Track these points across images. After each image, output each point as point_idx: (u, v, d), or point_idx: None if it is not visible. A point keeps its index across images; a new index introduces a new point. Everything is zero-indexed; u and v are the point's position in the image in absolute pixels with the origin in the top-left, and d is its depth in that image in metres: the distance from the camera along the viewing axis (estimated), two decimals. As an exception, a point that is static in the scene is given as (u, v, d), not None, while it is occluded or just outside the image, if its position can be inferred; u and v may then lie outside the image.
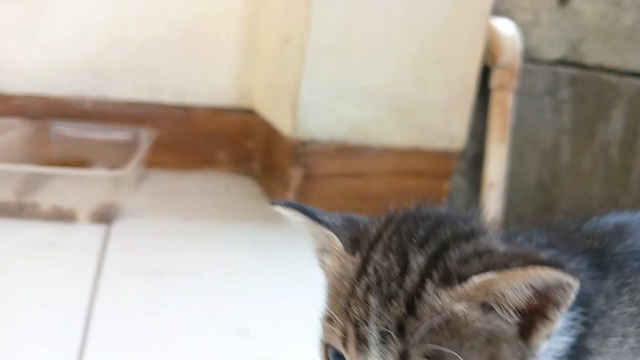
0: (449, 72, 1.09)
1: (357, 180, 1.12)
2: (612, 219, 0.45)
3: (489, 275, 0.30)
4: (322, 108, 1.04)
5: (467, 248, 0.33)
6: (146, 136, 1.21)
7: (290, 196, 1.11)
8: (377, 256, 0.33)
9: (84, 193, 1.00)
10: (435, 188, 1.17)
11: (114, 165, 1.24)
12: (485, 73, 1.14)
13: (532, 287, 0.30)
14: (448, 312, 0.30)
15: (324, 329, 0.34)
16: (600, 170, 1.39)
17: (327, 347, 0.34)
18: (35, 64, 1.19)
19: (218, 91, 1.30)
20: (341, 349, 0.32)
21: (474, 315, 0.31)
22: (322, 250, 0.39)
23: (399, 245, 0.33)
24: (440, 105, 1.11)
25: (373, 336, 0.30)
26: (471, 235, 0.34)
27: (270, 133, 1.24)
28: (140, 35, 1.21)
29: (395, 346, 0.30)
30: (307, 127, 1.05)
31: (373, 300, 0.31)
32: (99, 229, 0.95)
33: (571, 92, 1.31)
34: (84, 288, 0.76)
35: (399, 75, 1.06)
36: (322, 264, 0.39)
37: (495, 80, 1.13)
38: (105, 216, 0.97)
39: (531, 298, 0.30)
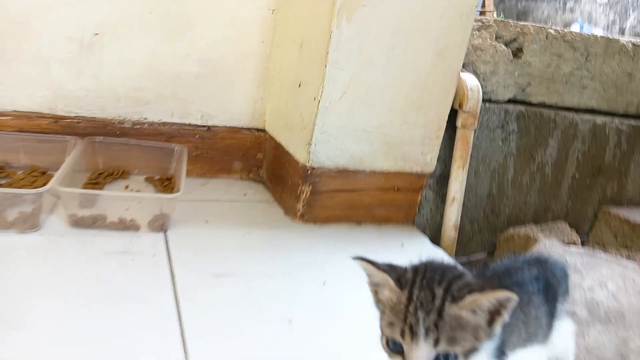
0: (427, 115, 1.40)
1: (352, 194, 1.43)
2: (502, 264, 0.80)
3: (475, 296, 0.60)
4: (329, 144, 1.34)
5: (460, 283, 0.63)
6: (178, 149, 1.47)
7: (300, 207, 1.41)
8: (416, 290, 0.61)
9: (143, 206, 1.26)
10: (410, 199, 1.50)
11: (150, 172, 1.50)
12: (453, 114, 1.46)
13: (496, 300, 0.61)
14: (457, 316, 0.60)
15: (387, 329, 0.62)
16: (537, 184, 1.75)
17: (387, 339, 0.62)
18: (85, 92, 1.42)
19: (235, 114, 1.57)
20: (400, 340, 0.61)
21: (468, 316, 0.60)
22: (377, 284, 0.65)
23: (427, 284, 0.62)
24: (418, 141, 1.42)
25: (422, 331, 0.59)
26: (461, 276, 0.65)
27: (279, 150, 1.52)
28: (175, 70, 1.46)
29: (433, 335, 0.59)
30: (317, 158, 1.34)
31: (420, 314, 0.60)
32: (158, 237, 1.22)
33: (518, 125, 1.65)
34: (167, 288, 1.03)
35: (389, 118, 1.37)
36: (375, 293, 0.67)
37: (460, 121, 1.45)
38: (161, 225, 1.24)
39: (494, 305, 0.61)
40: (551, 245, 1.47)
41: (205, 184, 1.56)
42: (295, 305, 1.05)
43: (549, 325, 0.83)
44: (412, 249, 1.37)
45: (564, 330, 0.91)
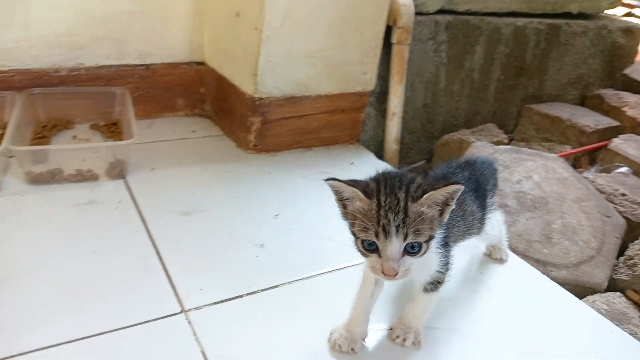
0: (364, 35, 1.45)
1: (300, 120, 1.49)
2: (439, 171, 0.93)
3: (430, 193, 0.71)
4: (275, 73, 1.37)
5: (415, 185, 0.74)
6: (120, 92, 1.46)
7: (251, 138, 1.46)
8: (383, 197, 0.71)
9: (99, 155, 1.27)
10: (354, 119, 1.58)
11: (95, 119, 1.49)
12: (388, 31, 1.52)
13: (447, 192, 0.72)
14: (418, 212, 0.71)
15: (361, 233, 0.71)
16: (466, 90, 1.87)
17: (362, 241, 0.72)
18: (15, 44, 1.35)
19: (173, 49, 1.55)
20: (375, 240, 0.71)
21: (427, 210, 0.72)
22: (347, 199, 0.74)
23: (391, 190, 0.72)
24: (357, 60, 1.48)
25: (392, 229, 0.70)
26: (413, 179, 0.75)
27: (222, 82, 1.54)
28: (107, 10, 1.41)
29: (402, 231, 0.70)
30: (264, 88, 1.38)
31: (391, 216, 0.70)
32: (119, 184, 1.24)
33: (447, 35, 1.73)
34: (140, 231, 1.09)
35: (329, 41, 1.40)
36: (344, 207, 0.75)
37: (395, 37, 1.52)
38: (120, 172, 1.26)
39: (445, 197, 0.73)
40: (482, 146, 1.62)
41: (151, 125, 1.56)
42: (264, 229, 1.14)
43: (483, 219, 0.97)
44: (361, 166, 1.47)
45: (495, 221, 1.07)
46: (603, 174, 1.70)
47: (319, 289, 0.99)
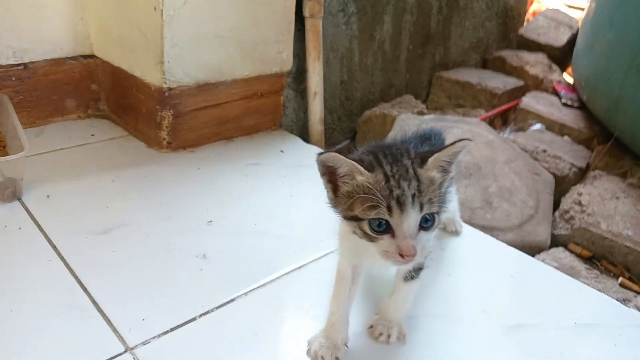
0: (274, 10, 1.33)
1: (217, 109, 1.35)
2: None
3: (437, 154, 0.63)
4: (183, 58, 1.21)
5: (413, 152, 0.65)
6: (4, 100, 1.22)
7: (164, 135, 1.29)
8: (388, 167, 0.62)
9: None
10: (274, 103, 1.47)
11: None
12: (299, 5, 1.41)
13: (454, 152, 0.63)
14: (429, 177, 0.62)
15: (368, 212, 0.60)
16: (379, 62, 1.82)
17: (369, 223, 0.61)
18: None
19: (55, 43, 1.32)
20: (386, 216, 0.60)
21: (436, 174, 0.63)
22: (344, 177, 0.63)
23: (393, 159, 0.63)
24: (272, 39, 1.36)
25: (408, 199, 0.60)
26: (408, 148, 0.66)
27: (119, 75, 1.34)
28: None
29: (418, 200, 0.60)
30: (173, 77, 1.21)
31: (404, 184, 0.60)
32: (14, 206, 1.03)
33: (356, 6, 1.65)
34: (54, 259, 0.89)
35: (239, 19, 1.27)
36: (335, 188, 0.64)
37: (307, 10, 1.41)
38: (13, 193, 1.05)
39: (450, 161, 0.64)
40: (408, 118, 1.58)
41: (40, 133, 1.33)
42: (201, 237, 1.00)
43: (445, 192, 0.91)
44: (291, 153, 1.36)
45: (452, 194, 1.01)
46: (519, 133, 1.74)
47: (281, 295, 0.88)
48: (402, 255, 0.61)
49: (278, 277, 0.91)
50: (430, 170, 0.63)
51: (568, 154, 1.58)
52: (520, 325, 0.86)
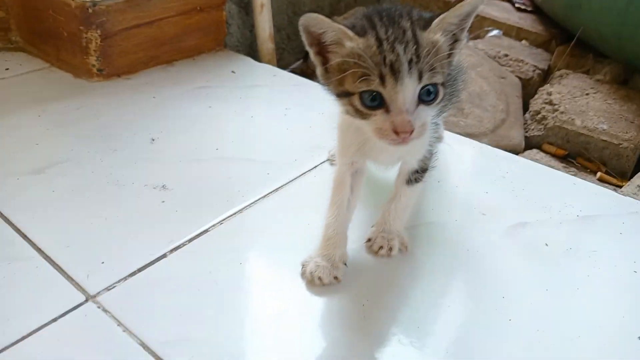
0: None
1: (152, 27, 1.17)
2: None
3: (443, 15, 0.52)
4: (107, -36, 1.02)
5: (415, 14, 0.55)
6: None
7: (93, 61, 1.11)
8: (382, 30, 0.51)
9: None
10: (216, 19, 1.30)
11: None
12: None
13: (463, 14, 0.53)
14: (432, 40, 0.52)
15: (359, 85, 0.51)
16: (326, -27, 1.64)
17: (360, 97, 0.51)
18: None
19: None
20: (379, 88, 0.51)
21: (441, 39, 0.53)
22: (332, 46, 0.53)
23: (390, 21, 0.52)
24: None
25: (404, 65, 0.50)
26: (411, 10, 0.56)
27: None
28: None
29: (416, 67, 0.50)
30: (97, -12, 1.03)
31: (399, 47, 0.50)
32: None
33: None
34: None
35: None
36: (324, 60, 0.54)
37: None
38: None
39: (459, 24, 0.54)
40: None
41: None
42: (157, 167, 0.86)
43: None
44: (243, 73, 1.21)
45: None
46: (477, 40, 1.66)
47: (260, 221, 0.77)
48: (397, 133, 0.51)
49: (254, 202, 0.80)
50: (434, 33, 0.52)
51: (529, 57, 1.52)
52: (521, 224, 0.79)
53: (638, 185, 1.02)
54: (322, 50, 0.54)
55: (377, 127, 0.53)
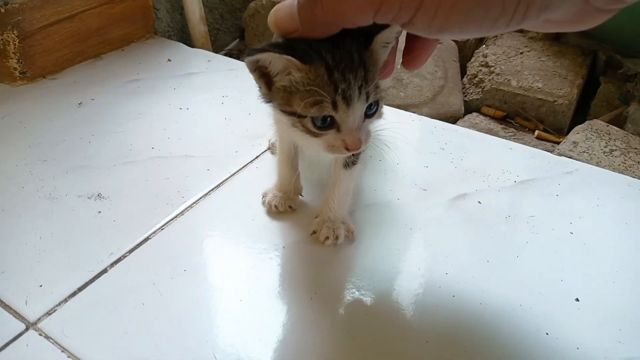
0: None
1: (73, 21, 1.11)
2: None
3: (381, 32, 0.51)
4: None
5: (353, 34, 0.51)
6: None
7: (14, 64, 1.05)
8: (329, 56, 0.50)
9: None
10: (142, 5, 1.25)
11: None
12: None
13: (394, 34, 0.52)
14: (374, 60, 0.53)
15: (311, 109, 0.52)
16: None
17: (312, 122, 0.53)
18: None
19: None
20: (332, 112, 0.52)
21: (381, 54, 0.53)
22: (277, 75, 0.53)
23: (335, 43, 0.50)
24: None
25: (355, 92, 0.51)
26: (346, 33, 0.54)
27: None
28: None
29: (364, 90, 0.52)
30: (5, -14, 0.96)
31: (349, 75, 0.50)
32: None
33: None
34: None
35: None
36: (267, 84, 0.54)
37: None
38: None
39: (390, 40, 0.54)
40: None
41: None
42: (92, 175, 0.83)
43: None
44: (179, 61, 1.17)
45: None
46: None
47: (205, 220, 0.75)
48: (347, 148, 0.55)
49: (195, 202, 0.78)
50: (376, 52, 0.53)
51: (465, 18, 1.52)
52: (461, 195, 0.81)
53: (573, 142, 1.05)
54: (266, 74, 0.53)
55: (329, 145, 0.55)
